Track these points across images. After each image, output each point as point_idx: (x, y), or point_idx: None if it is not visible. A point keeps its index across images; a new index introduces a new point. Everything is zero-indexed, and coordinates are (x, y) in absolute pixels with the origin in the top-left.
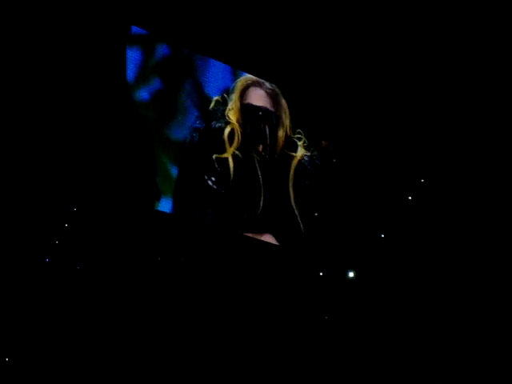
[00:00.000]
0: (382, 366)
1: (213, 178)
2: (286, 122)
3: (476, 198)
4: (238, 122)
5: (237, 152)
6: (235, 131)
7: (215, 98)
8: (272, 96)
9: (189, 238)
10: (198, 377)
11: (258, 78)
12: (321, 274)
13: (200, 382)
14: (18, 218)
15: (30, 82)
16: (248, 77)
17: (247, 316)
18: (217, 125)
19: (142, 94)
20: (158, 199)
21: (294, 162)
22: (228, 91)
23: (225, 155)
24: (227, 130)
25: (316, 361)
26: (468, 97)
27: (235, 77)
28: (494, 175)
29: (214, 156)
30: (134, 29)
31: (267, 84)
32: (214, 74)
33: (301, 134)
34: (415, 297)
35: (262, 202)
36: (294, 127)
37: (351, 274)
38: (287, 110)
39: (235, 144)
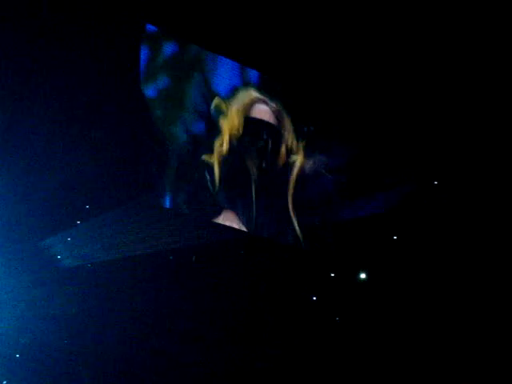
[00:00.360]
0: (393, 368)
1: (204, 182)
2: (289, 139)
3: (490, 200)
4: (235, 132)
5: (227, 160)
6: (226, 140)
7: (217, 100)
8: (276, 113)
9: (202, 238)
10: (206, 376)
11: (263, 96)
12: (332, 275)
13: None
14: (31, 216)
15: (41, 78)
16: (253, 92)
17: (257, 317)
18: (211, 131)
19: (150, 91)
20: (166, 197)
21: (295, 170)
22: (234, 91)
23: (212, 160)
24: (220, 138)
25: (327, 363)
26: (481, 99)
27: (243, 75)
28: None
29: (202, 159)
30: (149, 27)
31: (272, 102)
32: (223, 71)
33: (303, 143)
34: (427, 299)
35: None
36: (297, 137)
37: (363, 276)
38: (291, 128)
39: (225, 152)
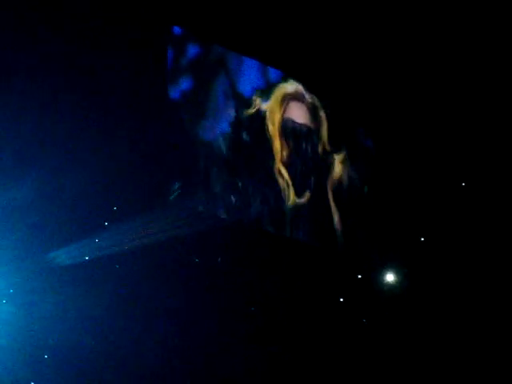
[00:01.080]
0: (418, 369)
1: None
2: (325, 136)
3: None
4: (279, 136)
5: (278, 166)
6: (275, 146)
7: (252, 103)
8: (312, 110)
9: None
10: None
11: (298, 89)
12: (359, 276)
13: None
14: (60, 216)
15: (69, 80)
16: (288, 87)
17: (284, 318)
18: (254, 136)
19: (174, 94)
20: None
21: (333, 178)
22: (262, 91)
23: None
24: (268, 144)
25: (353, 363)
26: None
27: (266, 75)
28: None
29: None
30: (176, 29)
31: (307, 96)
32: (247, 72)
33: (336, 146)
34: (454, 300)
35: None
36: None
37: (390, 278)
38: (325, 124)
39: (276, 158)
